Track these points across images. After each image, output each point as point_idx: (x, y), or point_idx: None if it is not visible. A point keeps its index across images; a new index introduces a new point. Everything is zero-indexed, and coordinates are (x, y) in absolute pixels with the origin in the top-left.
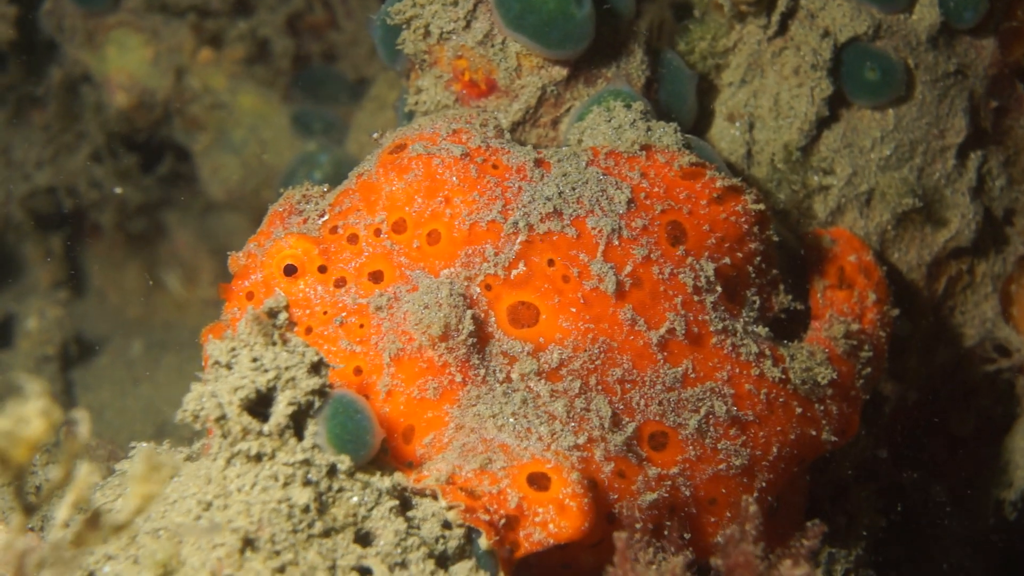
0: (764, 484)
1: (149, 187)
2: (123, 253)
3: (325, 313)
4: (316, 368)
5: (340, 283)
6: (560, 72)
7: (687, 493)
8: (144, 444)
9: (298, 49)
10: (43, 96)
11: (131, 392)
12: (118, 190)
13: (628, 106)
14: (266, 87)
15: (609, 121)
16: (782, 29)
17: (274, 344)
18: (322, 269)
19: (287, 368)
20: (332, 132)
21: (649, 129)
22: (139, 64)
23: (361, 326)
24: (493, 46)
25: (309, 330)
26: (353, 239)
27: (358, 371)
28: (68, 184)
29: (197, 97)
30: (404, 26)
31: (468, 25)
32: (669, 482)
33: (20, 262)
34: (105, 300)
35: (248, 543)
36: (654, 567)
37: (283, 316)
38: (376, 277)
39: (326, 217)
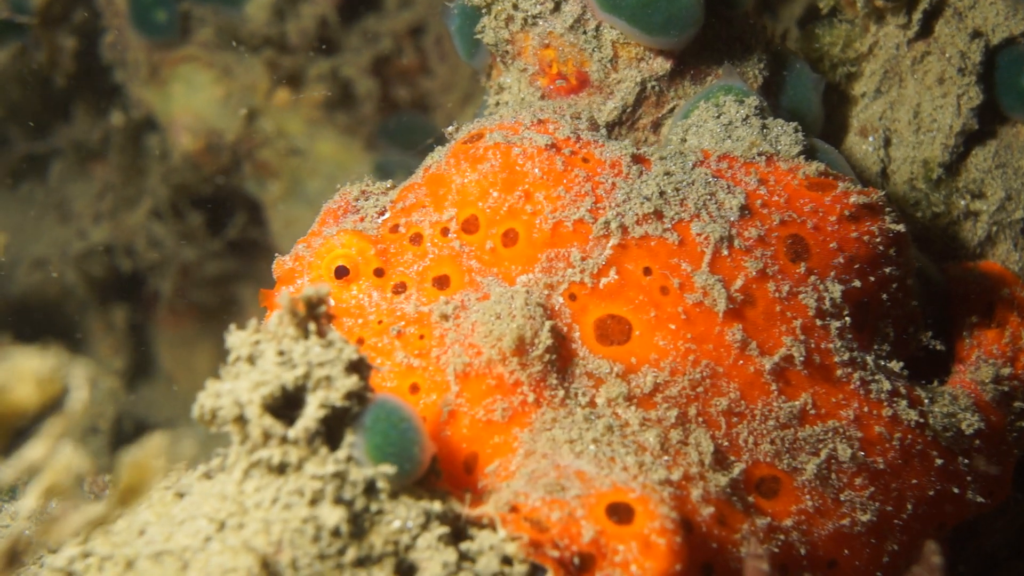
0: (896, 547)
1: (218, 253)
2: (192, 330)
3: (380, 323)
4: (355, 367)
5: (399, 289)
6: (663, 65)
7: (802, 551)
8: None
9: (384, 94)
10: (102, 143)
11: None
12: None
13: (740, 101)
14: (347, 135)
15: (718, 117)
16: (925, 30)
17: (306, 337)
18: (379, 272)
19: (320, 364)
20: None
21: (764, 127)
22: (207, 104)
23: (421, 337)
24: (585, 32)
25: (360, 342)
26: (416, 239)
27: (414, 388)
28: (126, 243)
29: (269, 141)
30: (484, 11)
31: (557, 7)
32: (781, 536)
33: (82, 333)
34: (173, 384)
35: (265, 567)
36: None
37: (322, 308)
38: (441, 283)
39: (387, 215)
